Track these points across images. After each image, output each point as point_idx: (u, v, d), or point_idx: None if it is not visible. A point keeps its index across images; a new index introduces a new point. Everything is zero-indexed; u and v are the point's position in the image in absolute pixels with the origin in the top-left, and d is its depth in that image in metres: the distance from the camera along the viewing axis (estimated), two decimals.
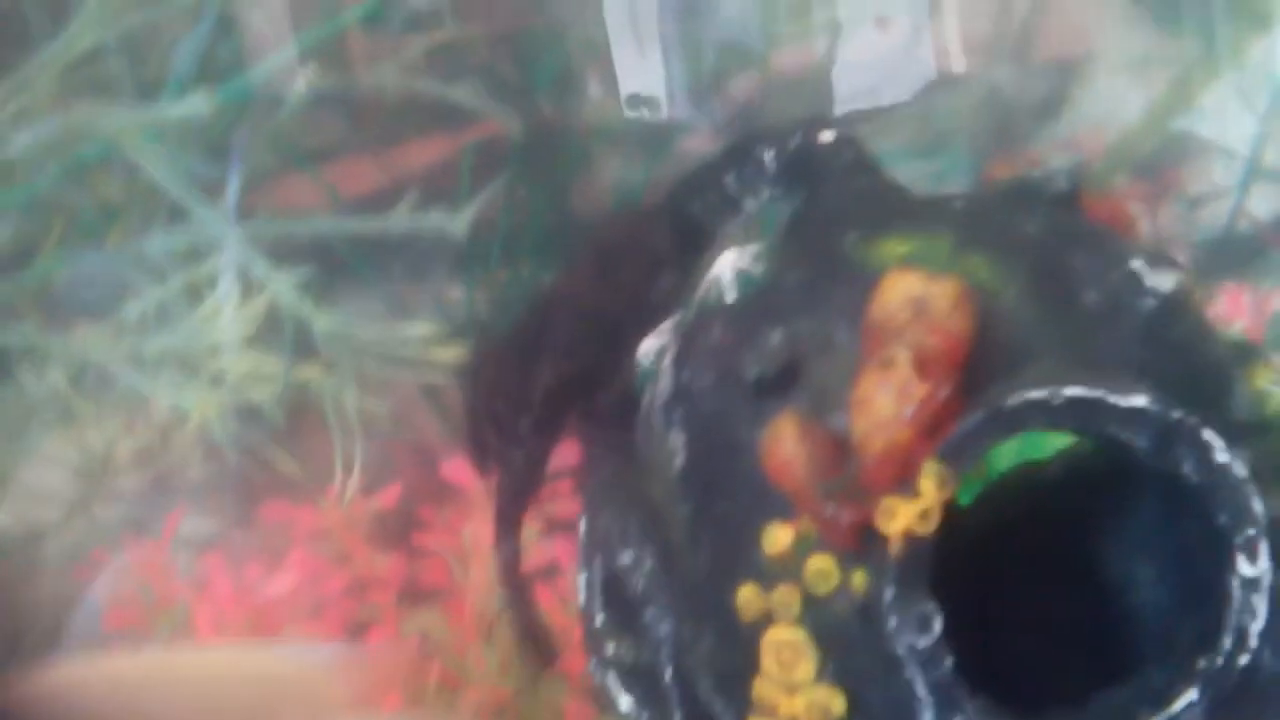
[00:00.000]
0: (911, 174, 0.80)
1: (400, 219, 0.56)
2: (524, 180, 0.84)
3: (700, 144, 0.84)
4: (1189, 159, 0.79)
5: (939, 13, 0.78)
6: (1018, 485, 0.45)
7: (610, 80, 0.84)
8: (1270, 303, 0.64)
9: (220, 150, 0.50)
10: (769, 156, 0.46)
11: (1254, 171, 0.77)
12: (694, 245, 0.46)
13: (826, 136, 0.45)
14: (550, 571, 0.57)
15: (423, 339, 0.55)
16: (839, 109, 0.79)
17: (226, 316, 0.48)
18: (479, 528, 0.63)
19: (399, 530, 0.65)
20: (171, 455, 0.65)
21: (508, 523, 0.45)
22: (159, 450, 0.63)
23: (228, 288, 0.48)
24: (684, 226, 0.47)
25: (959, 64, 0.79)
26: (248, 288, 0.49)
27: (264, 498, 0.62)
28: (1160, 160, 0.78)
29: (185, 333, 0.48)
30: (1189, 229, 0.79)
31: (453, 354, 0.55)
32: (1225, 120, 0.77)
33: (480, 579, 0.62)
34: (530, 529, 0.61)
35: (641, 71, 0.84)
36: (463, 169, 0.77)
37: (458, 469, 0.61)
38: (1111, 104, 0.78)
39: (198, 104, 0.47)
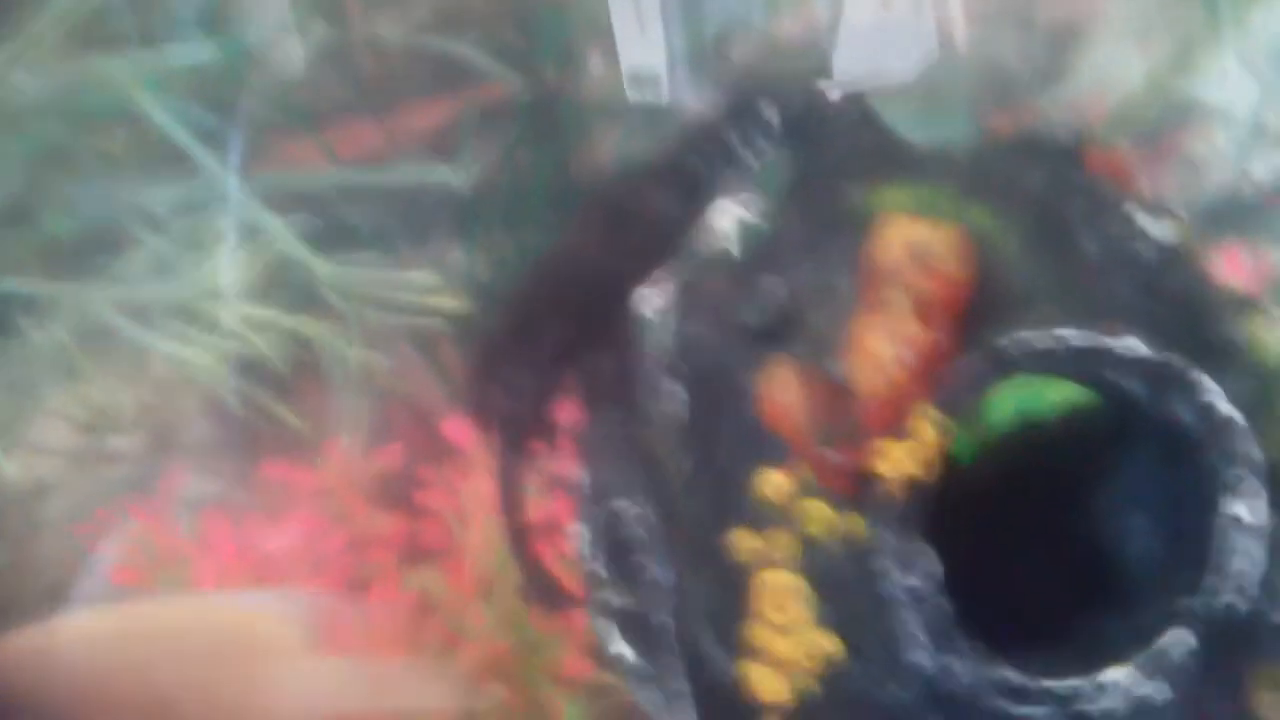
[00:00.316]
0: (914, 137, 0.80)
1: (405, 172, 0.56)
2: (526, 144, 0.83)
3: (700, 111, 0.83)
4: (1190, 123, 0.79)
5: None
6: (1017, 443, 0.46)
7: (612, 57, 0.84)
8: (1268, 263, 0.64)
9: (223, 104, 0.50)
10: (773, 113, 0.46)
11: (1255, 134, 0.77)
12: (695, 200, 0.46)
13: (832, 93, 0.45)
14: (550, 528, 0.58)
15: (424, 286, 0.55)
16: (840, 80, 0.79)
17: (229, 265, 0.48)
18: (478, 486, 0.63)
19: (399, 489, 0.65)
20: (172, 413, 0.65)
21: (510, 478, 0.45)
22: (160, 407, 0.63)
23: (230, 237, 0.48)
24: (686, 183, 0.47)
25: (960, 31, 0.79)
26: (249, 239, 0.49)
27: (265, 456, 0.62)
28: (1162, 125, 0.78)
29: (187, 283, 0.48)
30: (1191, 192, 0.79)
31: (454, 303, 0.55)
32: (1226, 84, 0.77)
33: (479, 537, 0.62)
34: (531, 485, 0.61)
35: (643, 48, 0.84)
36: (464, 131, 0.77)
37: (457, 428, 0.61)
38: (1113, 69, 0.77)
39: (201, 52, 0.47)
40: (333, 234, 0.66)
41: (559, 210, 0.83)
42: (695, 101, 0.86)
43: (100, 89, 0.47)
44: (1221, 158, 0.78)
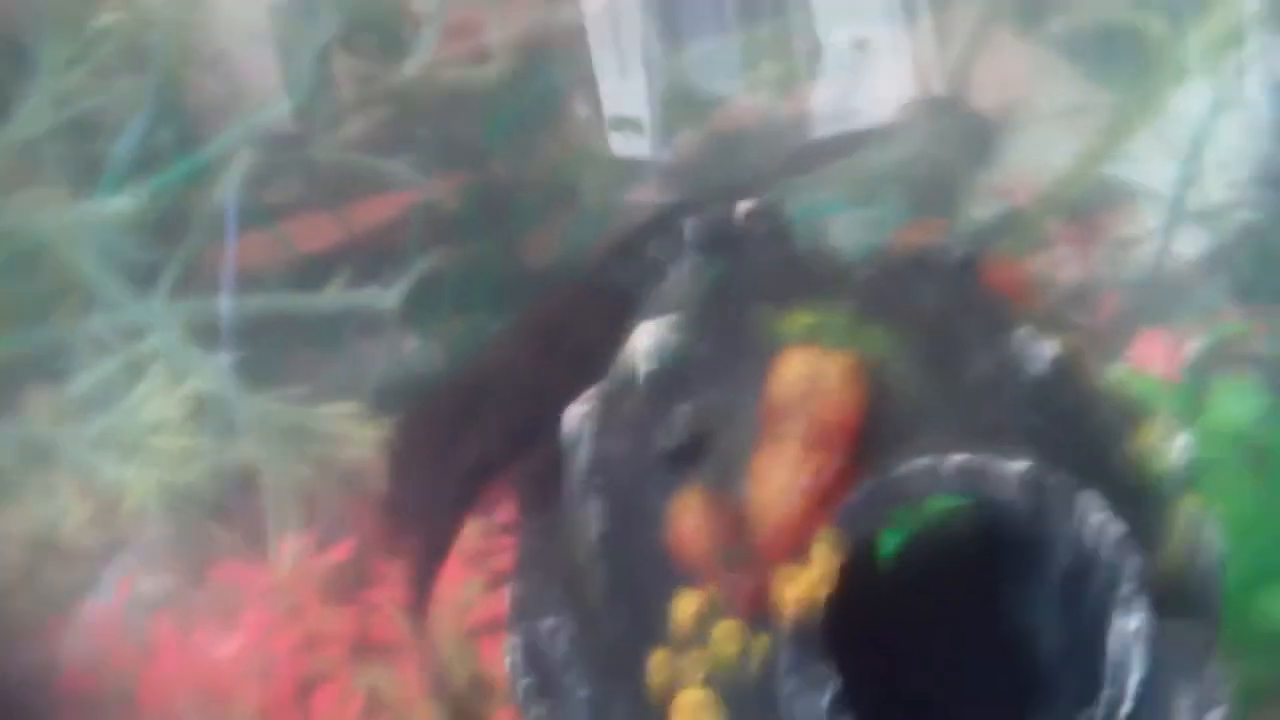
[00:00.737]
0: (850, 222, 0.83)
1: (332, 297, 0.58)
2: (476, 234, 0.86)
3: (647, 195, 0.86)
4: (1117, 203, 0.82)
5: (870, 69, 0.81)
6: (942, 535, 0.47)
7: (595, 104, 0.86)
8: (1186, 344, 0.67)
9: (163, 230, 0.52)
10: (690, 226, 0.48)
11: (1178, 214, 0.80)
12: (621, 316, 0.48)
13: (744, 207, 0.47)
14: (494, 626, 0.59)
15: (346, 417, 0.56)
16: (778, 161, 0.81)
17: (157, 399, 0.50)
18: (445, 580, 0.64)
19: (352, 585, 0.66)
20: (123, 519, 0.66)
21: (421, 588, 0.46)
22: (110, 515, 0.64)
23: (158, 372, 0.50)
24: (612, 299, 0.48)
25: (895, 114, 0.82)
26: (177, 373, 0.50)
27: (216, 557, 0.63)
28: (1090, 205, 0.81)
29: (121, 413, 0.50)
30: (1118, 271, 0.81)
31: (376, 433, 0.57)
32: (1150, 166, 0.80)
33: (430, 634, 0.63)
34: (475, 583, 0.62)
35: (625, 95, 0.87)
36: (414, 224, 0.79)
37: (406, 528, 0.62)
38: (1042, 151, 0.80)
39: (127, 203, 0.49)
40: (288, 332, 0.68)
41: (509, 297, 0.85)
42: (672, 152, 0.89)
43: (30, 237, 0.49)
44: (1146, 237, 0.80)
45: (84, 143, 0.52)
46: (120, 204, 0.48)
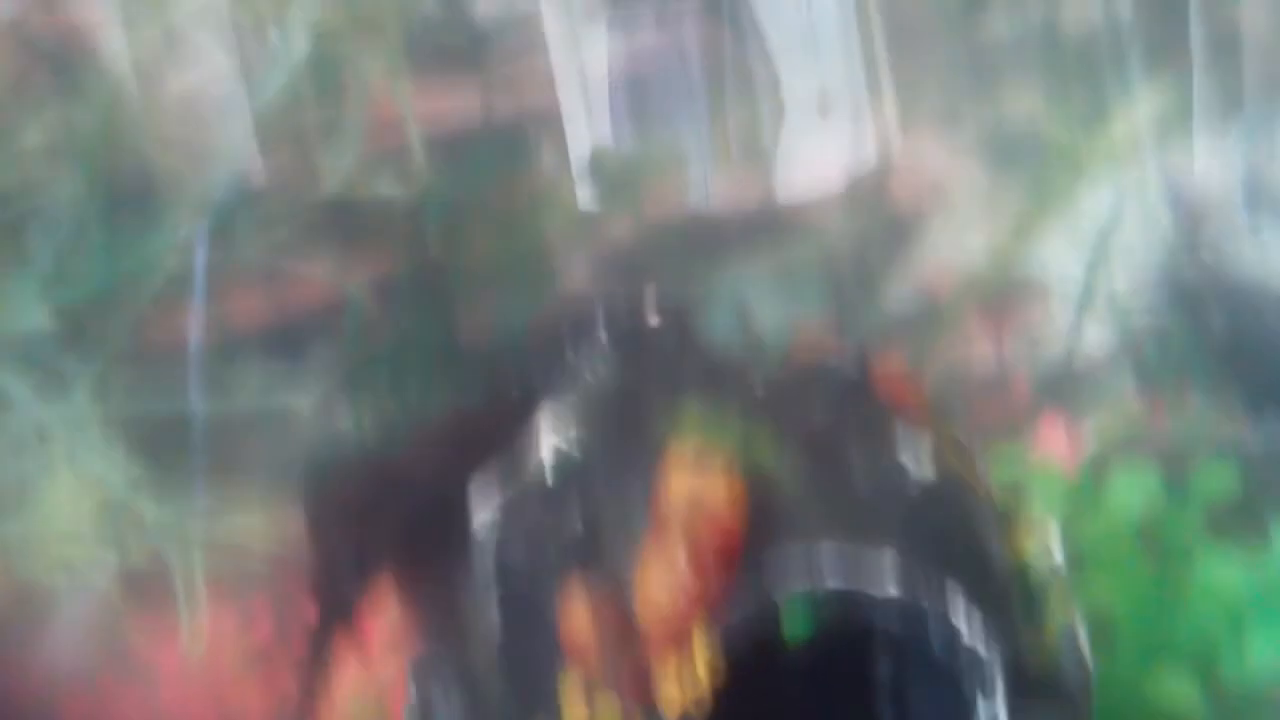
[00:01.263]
0: (773, 313, 0.85)
1: (249, 400, 0.59)
2: (411, 309, 0.87)
3: (578, 282, 0.88)
4: (1029, 297, 0.86)
5: (791, 163, 0.84)
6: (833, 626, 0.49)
7: (562, 149, 0.88)
8: (1083, 431, 0.69)
9: (81, 334, 0.53)
10: (602, 331, 0.51)
11: (1084, 309, 0.84)
12: (529, 415, 0.50)
13: (653, 320, 0.50)
14: None
15: (253, 531, 0.58)
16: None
17: (64, 506, 0.51)
18: (344, 666, 0.65)
19: (275, 666, 0.67)
20: (40, 592, 0.66)
21: (313, 667, 0.48)
22: (27, 586, 0.64)
23: (66, 478, 0.51)
24: (524, 398, 0.50)
25: (813, 213, 0.85)
26: (84, 478, 0.51)
27: (134, 637, 0.64)
28: (1003, 298, 0.84)
29: (28, 518, 0.51)
30: (1031, 361, 0.85)
31: (281, 547, 0.58)
32: (1059, 262, 0.84)
33: (345, 712, 0.64)
34: (392, 670, 0.63)
35: (592, 141, 0.89)
36: (351, 303, 0.81)
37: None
38: (957, 246, 0.84)
39: (38, 320, 0.50)
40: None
41: (444, 375, 0.87)
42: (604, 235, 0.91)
43: None
44: (1054, 330, 0.84)
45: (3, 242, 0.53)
46: (37, 322, 0.49)
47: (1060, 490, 0.67)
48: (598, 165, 0.90)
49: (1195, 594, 0.67)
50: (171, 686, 0.64)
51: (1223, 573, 0.65)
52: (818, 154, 0.86)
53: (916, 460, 0.41)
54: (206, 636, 0.62)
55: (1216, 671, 0.65)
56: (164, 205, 0.59)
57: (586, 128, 0.89)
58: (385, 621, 0.59)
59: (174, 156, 0.60)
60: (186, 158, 0.60)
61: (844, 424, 0.42)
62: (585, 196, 0.88)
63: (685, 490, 0.38)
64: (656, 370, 0.48)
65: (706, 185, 0.87)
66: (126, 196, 0.58)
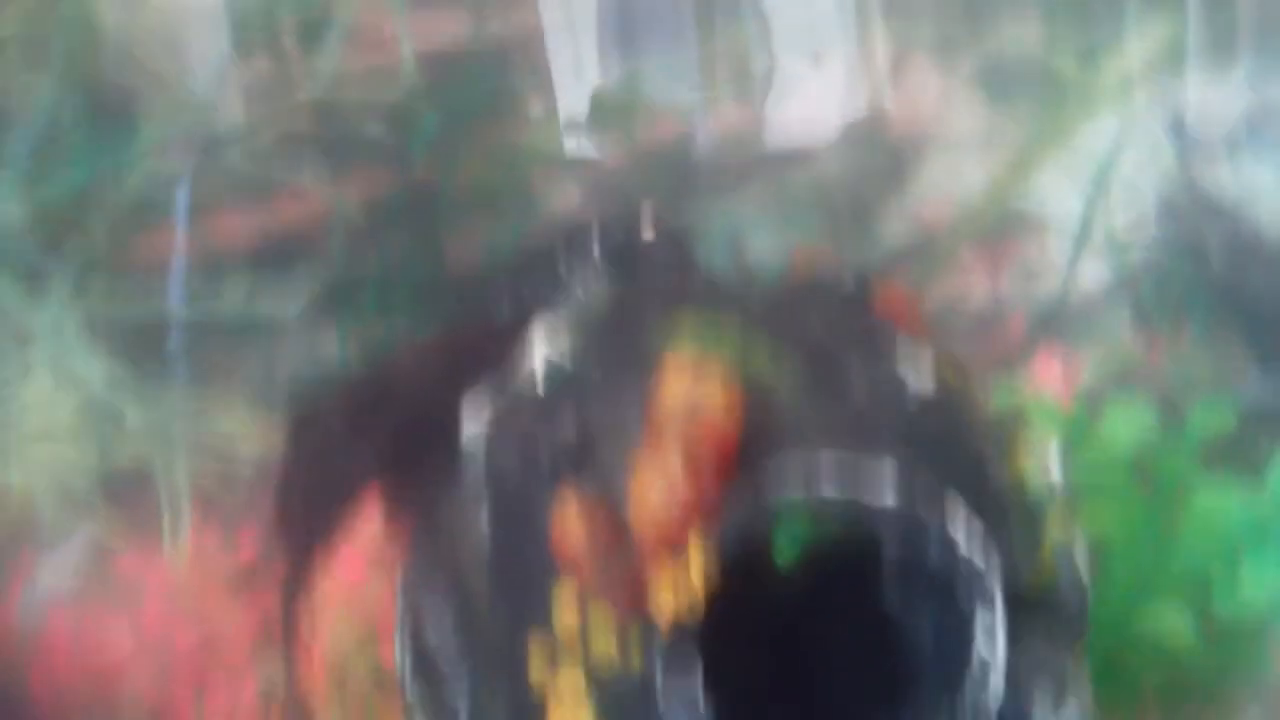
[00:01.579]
0: (767, 241, 0.84)
1: (230, 305, 0.58)
2: (398, 233, 0.86)
3: (569, 202, 0.87)
4: (1025, 232, 0.85)
5: (785, 95, 0.82)
6: (831, 535, 0.49)
7: (551, 104, 0.86)
8: (1079, 367, 0.69)
9: (59, 232, 0.51)
10: (596, 246, 0.49)
11: (1082, 244, 0.83)
12: (522, 327, 0.49)
13: (648, 235, 0.49)
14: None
15: (231, 432, 0.56)
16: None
17: (42, 406, 0.49)
18: (333, 578, 0.64)
19: (256, 584, 0.66)
20: (24, 504, 0.65)
21: (295, 584, 0.47)
22: (11, 499, 0.63)
23: (44, 378, 0.49)
24: (518, 309, 0.49)
25: (811, 139, 0.84)
26: (64, 378, 0.50)
27: (116, 551, 0.63)
28: (999, 232, 0.83)
29: (5, 419, 0.49)
30: (1027, 296, 0.84)
31: (263, 447, 0.57)
32: (1057, 197, 0.83)
33: (330, 630, 0.63)
34: (377, 586, 0.63)
35: (580, 95, 0.87)
36: (335, 222, 0.79)
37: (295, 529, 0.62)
38: (953, 178, 0.82)
39: (13, 210, 0.49)
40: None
41: (431, 299, 0.85)
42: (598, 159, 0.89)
43: None
44: (1051, 265, 0.83)
45: None
46: (10, 211, 0.48)
47: (1055, 423, 0.66)
48: (593, 102, 0.88)
49: (1189, 527, 0.67)
50: (155, 604, 0.63)
51: (1217, 506, 0.65)
52: (812, 87, 0.84)
53: (915, 373, 0.40)
54: (190, 553, 0.61)
55: (1209, 604, 0.65)
56: (142, 106, 0.57)
57: (574, 56, 0.87)
58: (372, 537, 0.59)
59: (152, 55, 0.58)
60: (165, 56, 0.59)
61: (842, 335, 0.42)
62: (573, 126, 0.87)
63: (680, 397, 0.37)
64: (651, 284, 0.47)
65: (698, 119, 0.86)
66: (104, 97, 0.56)
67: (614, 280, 0.48)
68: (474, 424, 0.44)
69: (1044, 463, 0.43)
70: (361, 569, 0.61)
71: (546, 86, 0.86)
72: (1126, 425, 0.69)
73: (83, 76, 0.55)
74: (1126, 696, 0.69)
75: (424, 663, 0.42)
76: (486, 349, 0.48)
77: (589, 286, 0.49)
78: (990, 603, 0.37)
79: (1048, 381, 0.68)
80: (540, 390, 0.42)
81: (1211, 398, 0.76)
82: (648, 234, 0.47)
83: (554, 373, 0.42)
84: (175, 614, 0.64)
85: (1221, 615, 0.64)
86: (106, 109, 0.57)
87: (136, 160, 0.55)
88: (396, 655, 0.43)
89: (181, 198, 0.61)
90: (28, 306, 0.50)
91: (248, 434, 0.57)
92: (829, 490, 0.36)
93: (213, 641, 0.64)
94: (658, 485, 0.36)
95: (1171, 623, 0.65)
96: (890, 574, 0.39)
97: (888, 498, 0.36)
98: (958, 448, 0.40)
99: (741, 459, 0.37)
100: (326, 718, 0.61)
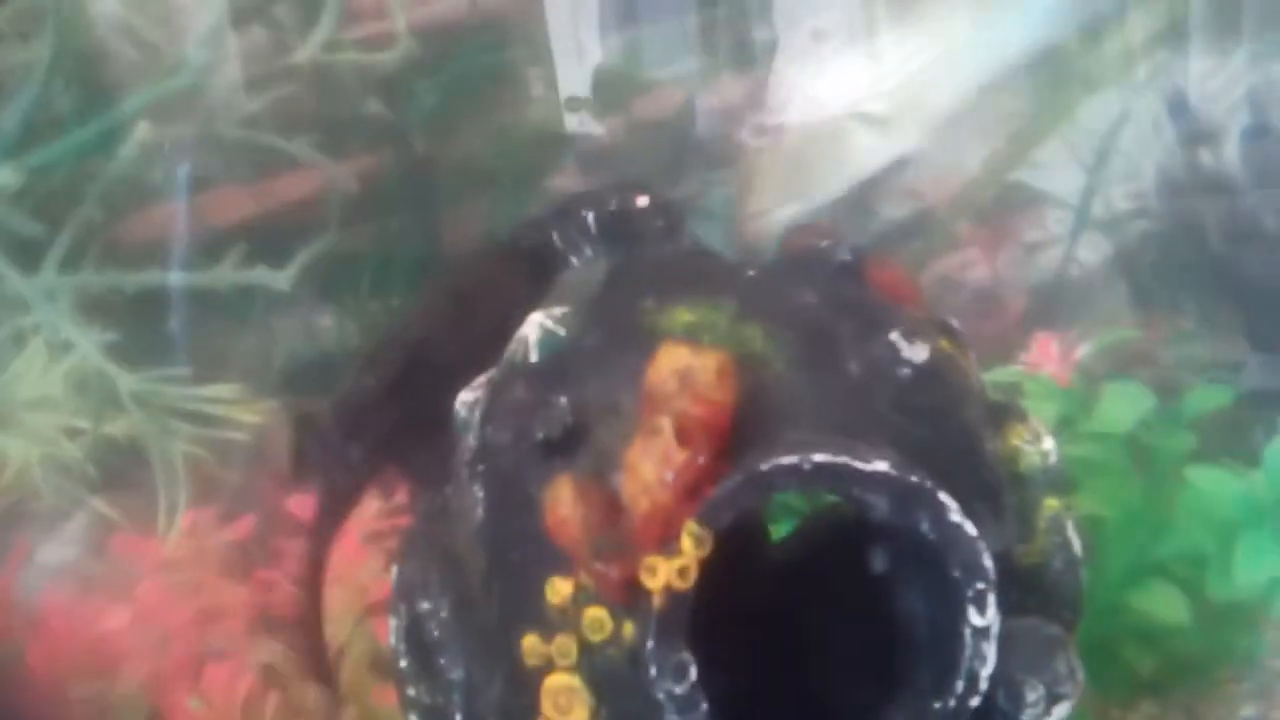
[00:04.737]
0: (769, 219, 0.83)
1: (225, 274, 0.58)
2: (396, 211, 0.85)
3: (567, 179, 0.87)
4: (1025, 208, 0.84)
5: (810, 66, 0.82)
6: (826, 526, 0.49)
7: (551, 83, 0.86)
8: (1077, 349, 0.69)
9: (54, 203, 0.51)
10: (590, 217, 0.49)
11: (1082, 221, 0.82)
12: (536, 279, 0.49)
13: (641, 202, 0.48)
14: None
15: (226, 399, 0.56)
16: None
17: (36, 374, 0.49)
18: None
19: (250, 562, 0.66)
20: (25, 483, 0.65)
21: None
22: (12, 479, 0.63)
23: (38, 346, 0.49)
24: (528, 263, 0.49)
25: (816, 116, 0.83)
26: (59, 348, 0.50)
27: (113, 530, 0.63)
28: (998, 209, 0.83)
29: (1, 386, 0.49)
30: (1025, 273, 0.83)
31: (253, 416, 0.57)
32: (1057, 173, 0.82)
33: (327, 610, 0.63)
34: (374, 564, 0.63)
35: (582, 76, 0.87)
36: (331, 201, 0.79)
37: (305, 504, 0.63)
38: (954, 156, 0.82)
39: (6, 176, 0.48)
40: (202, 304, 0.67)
41: (427, 276, 0.85)
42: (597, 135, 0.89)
43: None
44: (1053, 242, 0.83)
45: None
46: (3, 177, 0.48)
47: (1052, 399, 0.66)
48: (595, 79, 0.88)
49: (1184, 509, 0.67)
50: (149, 580, 0.64)
51: (1212, 488, 0.65)
52: (814, 69, 0.84)
53: (909, 340, 0.40)
54: (185, 526, 0.61)
55: (1203, 585, 0.65)
56: (135, 75, 0.57)
57: (574, 30, 0.87)
58: (368, 516, 0.59)
59: (146, 25, 0.58)
60: (159, 26, 0.58)
61: (836, 303, 0.41)
62: (574, 102, 0.86)
63: (674, 366, 0.37)
64: (645, 253, 0.46)
65: (697, 93, 0.85)
66: (97, 67, 0.56)
67: (607, 247, 0.48)
68: (468, 391, 0.44)
69: (1039, 436, 0.43)
70: (357, 550, 0.61)
71: (546, 60, 0.86)
72: (1124, 405, 0.68)
73: (76, 46, 0.55)
74: (1120, 676, 0.69)
75: (415, 645, 0.42)
76: (497, 307, 0.48)
77: (583, 253, 0.49)
78: (982, 570, 0.36)
79: (1046, 359, 0.67)
80: (530, 373, 0.42)
81: (1207, 379, 0.76)
82: (641, 200, 0.47)
83: (548, 340, 0.42)
84: (171, 590, 0.64)
85: (1215, 596, 0.64)
86: (99, 79, 0.56)
87: (129, 129, 0.55)
88: (391, 625, 0.42)
89: (180, 171, 0.61)
90: (21, 275, 0.50)
91: (243, 406, 0.56)
92: (820, 455, 0.36)
93: (208, 620, 0.64)
94: (651, 453, 0.36)
95: (1165, 603, 0.65)
96: (882, 540, 0.39)
97: (878, 463, 0.36)
98: (949, 413, 0.40)
99: (733, 426, 0.37)
100: (319, 697, 0.62)
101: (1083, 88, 0.79)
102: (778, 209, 0.75)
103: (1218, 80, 0.84)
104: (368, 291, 0.83)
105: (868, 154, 0.80)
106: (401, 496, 0.57)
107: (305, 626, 0.49)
